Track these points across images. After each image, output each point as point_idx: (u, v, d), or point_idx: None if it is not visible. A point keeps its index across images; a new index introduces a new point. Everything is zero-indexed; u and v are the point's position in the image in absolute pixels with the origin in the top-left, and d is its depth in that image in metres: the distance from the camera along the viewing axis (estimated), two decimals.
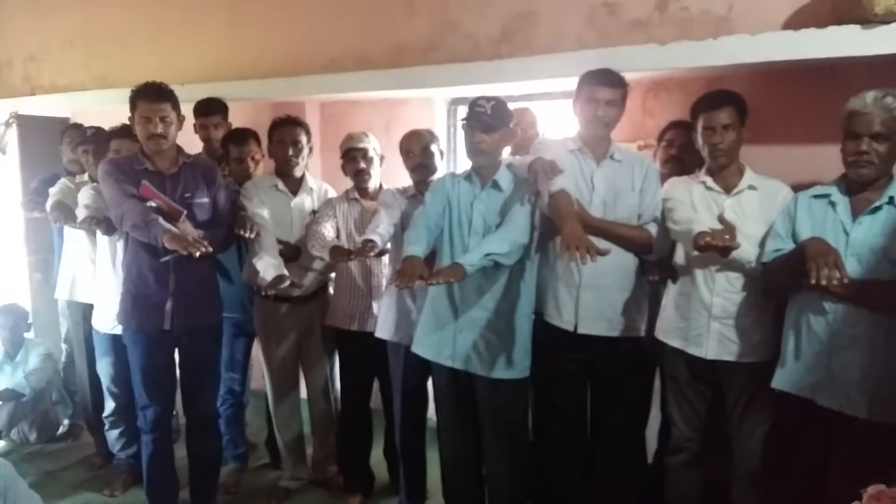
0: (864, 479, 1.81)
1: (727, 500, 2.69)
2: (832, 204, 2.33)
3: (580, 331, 2.68)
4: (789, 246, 2.37)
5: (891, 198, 2.24)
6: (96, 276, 3.51)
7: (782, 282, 2.39)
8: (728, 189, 2.60)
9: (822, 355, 2.31)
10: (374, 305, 3.18)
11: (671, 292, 2.73)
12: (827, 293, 2.18)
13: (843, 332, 2.26)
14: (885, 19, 2.31)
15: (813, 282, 2.07)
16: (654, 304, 2.81)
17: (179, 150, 3.01)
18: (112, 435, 3.66)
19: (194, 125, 3.63)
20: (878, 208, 2.25)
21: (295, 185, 3.36)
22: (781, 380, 2.42)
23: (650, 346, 2.77)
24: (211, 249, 2.63)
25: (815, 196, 2.39)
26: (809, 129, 2.90)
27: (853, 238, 2.26)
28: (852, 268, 2.19)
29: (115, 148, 3.28)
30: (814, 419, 2.34)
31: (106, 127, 3.59)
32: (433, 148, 3.05)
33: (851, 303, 2.19)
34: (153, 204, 2.79)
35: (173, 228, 2.72)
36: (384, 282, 3.16)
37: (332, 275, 3.42)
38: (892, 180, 2.28)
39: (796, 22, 2.61)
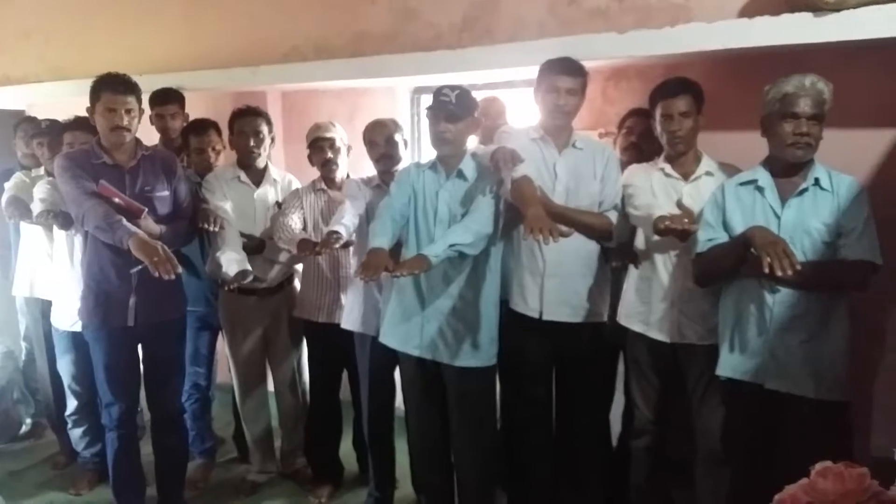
0: (816, 456, 1.86)
1: (691, 481, 2.74)
2: (760, 189, 2.38)
3: (545, 317, 2.71)
4: (721, 235, 2.41)
5: (816, 179, 2.30)
6: (55, 272, 3.45)
7: (721, 270, 2.42)
8: (686, 175, 2.64)
9: (764, 339, 2.36)
10: (342, 297, 3.18)
11: (632, 278, 2.78)
12: (772, 279, 2.21)
13: (784, 314, 2.31)
14: (835, 7, 2.35)
15: (767, 271, 2.11)
16: (615, 289, 2.84)
17: (138, 142, 2.96)
18: (76, 433, 3.62)
19: (150, 116, 3.57)
20: (805, 190, 2.31)
21: (258, 177, 3.33)
22: (726, 366, 2.46)
23: (613, 331, 2.81)
24: (179, 271, 2.56)
25: (742, 183, 2.44)
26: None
27: (784, 221, 2.32)
28: None
29: (69, 141, 3.21)
30: (763, 402, 2.39)
31: (61, 119, 3.53)
32: (397, 137, 3.05)
33: (790, 285, 2.24)
34: (116, 200, 2.74)
35: (138, 231, 2.65)
36: (352, 273, 3.15)
37: (298, 266, 3.40)
38: (813, 163, 2.34)
39: (751, 10, 2.65)
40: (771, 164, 2.39)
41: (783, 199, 2.34)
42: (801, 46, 2.51)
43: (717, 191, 2.49)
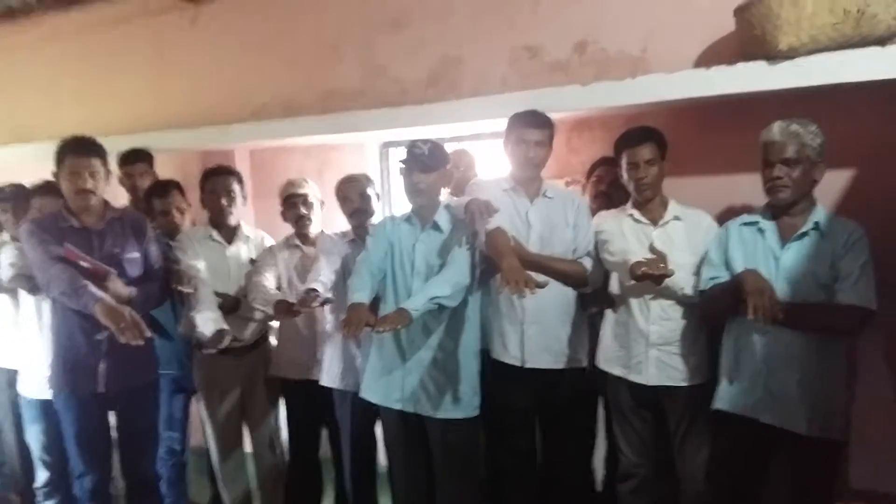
0: (807, 492, 1.89)
1: None
2: (761, 231, 2.46)
3: (528, 365, 2.73)
4: (723, 273, 2.49)
5: (815, 223, 2.38)
6: (21, 339, 3.36)
7: (720, 309, 2.49)
8: (654, 221, 2.71)
9: (761, 375, 2.41)
10: (319, 353, 3.15)
11: (609, 322, 2.81)
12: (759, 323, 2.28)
13: (779, 352, 2.38)
14: (788, 55, 2.46)
15: (751, 316, 2.20)
16: (592, 334, 2.88)
17: (107, 204, 2.94)
18: None
19: (119, 177, 3.55)
20: (805, 234, 2.38)
21: (230, 235, 3.32)
22: (723, 400, 2.51)
23: (592, 375, 2.84)
24: (147, 335, 2.54)
25: (745, 223, 2.52)
26: (726, 159, 3.05)
27: (783, 263, 2.39)
28: (783, 291, 2.32)
29: (38, 206, 3.17)
30: (757, 437, 2.44)
31: (26, 183, 3.48)
32: (370, 192, 3.08)
33: (785, 326, 2.30)
34: (83, 264, 2.71)
35: (104, 297, 2.62)
36: (329, 328, 3.14)
37: (274, 323, 3.38)
38: (814, 206, 2.42)
39: (707, 59, 2.77)
40: (770, 208, 2.48)
41: (784, 241, 2.41)
42: (757, 93, 2.61)
43: (721, 230, 2.57)
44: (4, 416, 3.67)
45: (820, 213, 2.40)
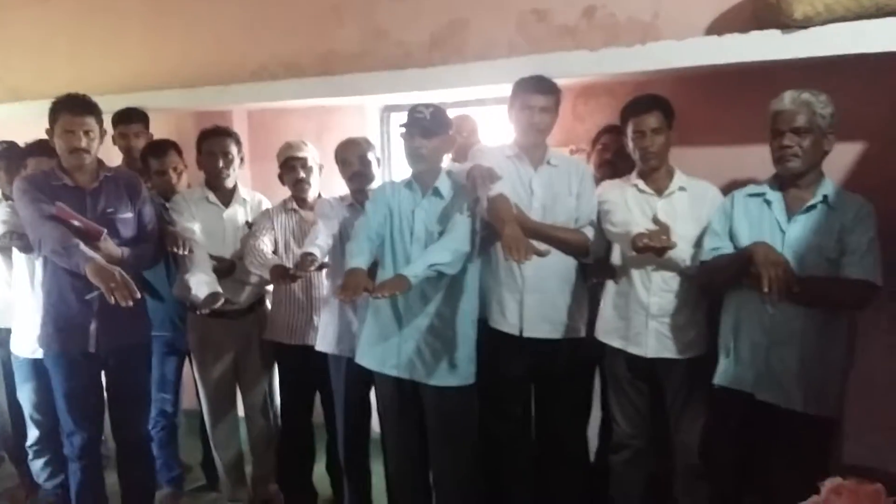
0: (802, 470, 1.88)
1: (672, 495, 2.75)
2: (767, 202, 2.42)
3: (526, 334, 2.71)
4: (727, 244, 2.45)
5: (824, 196, 2.33)
6: (14, 298, 3.33)
7: (723, 280, 2.46)
8: (659, 191, 2.66)
9: (761, 350, 2.38)
10: (315, 318, 3.12)
11: (609, 293, 2.78)
12: (771, 297, 2.23)
13: (782, 327, 2.34)
14: (803, 24, 2.41)
15: (766, 290, 2.15)
16: (592, 304, 2.85)
17: (100, 163, 2.89)
18: (37, 465, 3.47)
19: (113, 136, 3.49)
20: (813, 207, 2.34)
21: (227, 197, 3.28)
22: (722, 375, 2.49)
23: (589, 346, 2.81)
24: (137, 297, 2.50)
25: (751, 195, 2.47)
26: (733, 130, 3.00)
27: (789, 236, 2.35)
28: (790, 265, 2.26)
29: (33, 167, 3.13)
30: (754, 413, 2.41)
31: (19, 142, 3.43)
32: (370, 156, 3.02)
33: (790, 300, 2.26)
34: (75, 223, 2.66)
35: (95, 256, 2.58)
36: (325, 293, 3.10)
37: (269, 287, 3.34)
38: (823, 178, 2.38)
39: (719, 27, 2.70)
40: (777, 179, 2.43)
41: (790, 214, 2.37)
42: (769, 63, 2.56)
43: (726, 200, 2.53)
44: None
45: (828, 187, 2.36)
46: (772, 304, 2.32)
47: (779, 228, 2.37)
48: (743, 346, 2.43)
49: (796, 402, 2.32)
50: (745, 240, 2.39)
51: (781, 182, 2.42)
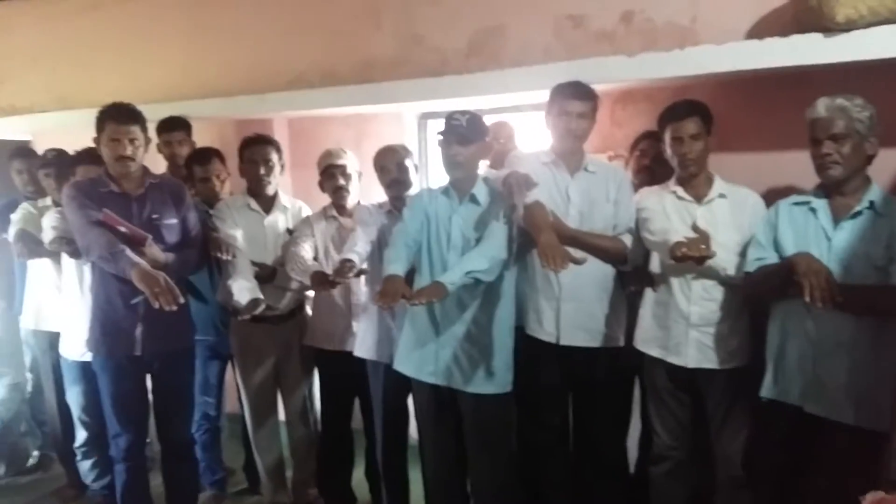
0: (850, 485, 1.84)
1: None
2: (812, 210, 2.37)
3: (562, 342, 2.69)
4: (771, 254, 2.40)
5: (871, 202, 2.28)
6: (63, 303, 3.43)
7: (767, 291, 2.42)
8: (699, 198, 2.63)
9: (808, 362, 2.33)
10: (354, 324, 3.15)
11: (648, 302, 2.75)
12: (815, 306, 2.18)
13: (829, 338, 2.29)
14: (845, 27, 2.37)
15: (808, 299, 2.11)
16: (630, 313, 2.82)
17: (146, 170, 2.96)
18: (84, 465, 3.57)
19: (157, 144, 3.57)
20: (859, 213, 2.29)
21: (268, 204, 3.33)
22: (769, 387, 2.45)
23: (628, 355, 2.79)
24: (181, 301, 2.56)
25: (796, 203, 2.43)
26: (774, 135, 2.95)
27: (835, 244, 2.30)
28: (835, 273, 2.21)
29: (82, 175, 3.20)
30: (802, 425, 2.37)
31: (68, 149, 3.52)
32: (408, 163, 3.04)
33: (837, 309, 2.20)
34: (121, 229, 2.73)
35: (141, 261, 2.65)
36: (364, 300, 3.13)
37: (310, 293, 3.38)
38: (869, 185, 2.33)
39: (760, 31, 2.66)
40: (822, 187, 2.39)
41: (836, 221, 2.32)
42: (810, 67, 2.51)
43: (770, 210, 2.49)
44: (46, 378, 3.77)
45: (875, 192, 2.30)
46: (810, 315, 2.28)
47: (824, 236, 2.32)
48: (789, 358, 2.39)
49: (847, 415, 2.26)
50: (790, 249, 2.34)
51: (827, 190, 2.37)
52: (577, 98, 2.63)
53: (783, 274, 2.27)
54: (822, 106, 2.28)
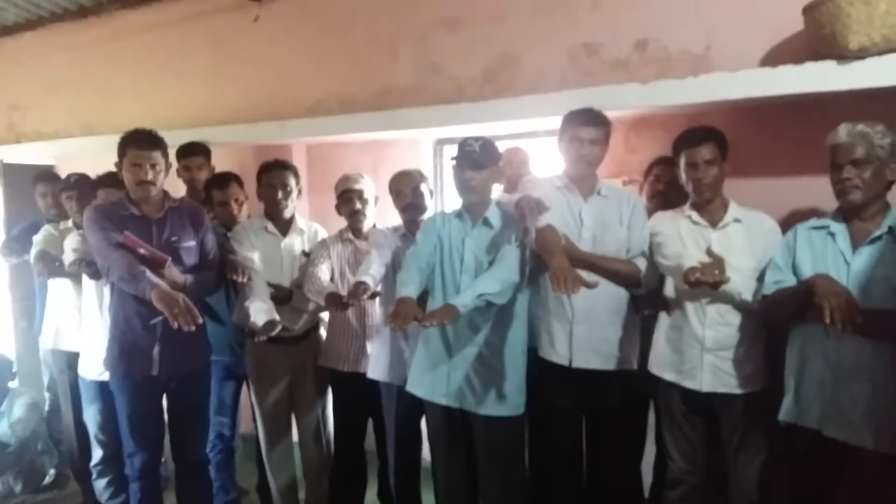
0: None
1: None
2: (831, 234, 2.37)
3: (575, 365, 2.69)
4: (789, 278, 2.41)
5: (890, 228, 2.28)
6: (82, 323, 3.47)
7: (785, 314, 2.41)
8: (714, 223, 2.64)
9: (827, 385, 2.32)
10: (368, 346, 3.17)
11: (662, 326, 2.75)
12: (835, 329, 2.17)
13: (848, 362, 2.27)
14: (859, 55, 2.38)
15: (828, 321, 2.10)
16: (645, 337, 2.82)
17: (166, 194, 3.02)
18: (100, 484, 3.58)
19: (177, 169, 3.63)
20: (878, 238, 2.29)
21: (284, 227, 3.37)
22: (788, 411, 2.43)
23: (643, 379, 2.78)
24: (200, 322, 2.61)
25: (814, 227, 2.43)
26: (789, 161, 2.96)
27: (854, 268, 2.29)
28: (854, 297, 2.19)
29: (103, 198, 3.27)
30: (820, 450, 2.35)
31: (91, 173, 3.59)
32: (423, 188, 3.08)
33: (856, 333, 2.18)
34: (141, 251, 2.78)
35: (161, 283, 2.69)
36: (378, 322, 3.15)
37: (324, 315, 3.41)
38: (889, 210, 2.33)
39: (773, 59, 2.69)
40: (841, 211, 2.39)
41: (855, 246, 2.32)
42: (824, 94, 2.53)
43: (789, 234, 2.49)
44: (64, 397, 3.81)
45: (894, 217, 2.30)
46: (834, 337, 2.26)
47: (843, 260, 2.32)
48: (808, 382, 2.37)
49: (866, 440, 2.24)
50: (808, 273, 2.34)
51: (845, 214, 2.38)
52: (588, 124, 2.66)
53: (802, 296, 2.26)
54: (843, 132, 2.29)
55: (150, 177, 2.86)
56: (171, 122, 3.97)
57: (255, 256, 3.21)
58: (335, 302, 2.89)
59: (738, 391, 2.56)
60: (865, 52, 2.37)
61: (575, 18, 3.13)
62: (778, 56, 2.68)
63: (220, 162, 3.85)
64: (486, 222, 2.69)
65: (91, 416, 3.50)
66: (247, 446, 3.94)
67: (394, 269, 2.91)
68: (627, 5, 3.01)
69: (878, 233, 2.29)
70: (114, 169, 3.01)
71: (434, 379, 2.73)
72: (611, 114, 2.75)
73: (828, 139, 2.34)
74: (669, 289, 2.72)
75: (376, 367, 3.07)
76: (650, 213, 2.85)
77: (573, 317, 2.68)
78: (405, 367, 2.91)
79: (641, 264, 2.69)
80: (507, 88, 3.28)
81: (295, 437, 3.50)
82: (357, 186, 3.21)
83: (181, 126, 3.99)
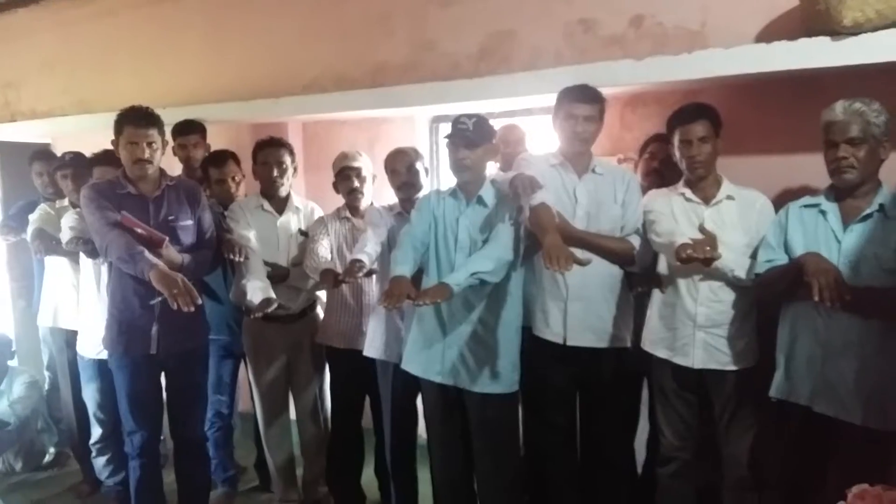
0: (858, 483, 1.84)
1: None
2: (822, 213, 2.37)
3: (569, 343, 2.70)
4: (781, 256, 2.41)
5: (881, 205, 2.28)
6: (80, 302, 3.49)
7: (777, 292, 2.42)
8: (707, 200, 2.64)
9: (817, 362, 2.34)
10: (365, 323, 3.18)
11: (655, 303, 2.77)
12: (824, 306, 2.19)
13: (837, 338, 2.29)
14: (853, 31, 2.36)
15: (817, 298, 2.11)
16: (638, 314, 2.83)
17: (162, 172, 3.01)
18: (99, 462, 3.63)
19: (173, 147, 3.62)
20: (869, 216, 2.29)
21: (280, 205, 3.38)
22: (779, 387, 2.45)
23: (636, 356, 2.80)
24: (199, 303, 2.61)
25: (806, 206, 2.43)
26: (783, 138, 2.96)
27: (845, 246, 2.30)
28: (845, 275, 2.21)
29: (98, 176, 3.27)
30: (811, 426, 2.37)
31: (86, 152, 3.58)
32: (418, 166, 3.08)
33: (845, 310, 2.20)
34: (138, 230, 2.78)
35: (159, 263, 2.69)
36: (375, 300, 3.16)
37: (321, 293, 3.42)
38: (880, 187, 2.33)
39: (768, 35, 2.67)
40: (833, 190, 2.39)
41: (846, 224, 2.32)
42: (819, 70, 2.52)
43: (780, 212, 2.50)
44: (63, 376, 3.83)
45: (885, 195, 2.30)
46: (824, 314, 2.28)
47: (834, 238, 2.32)
48: (798, 358, 2.39)
49: (855, 415, 2.26)
50: (799, 251, 2.35)
51: (837, 192, 2.37)
52: (583, 101, 2.65)
53: (792, 274, 2.27)
54: (839, 109, 2.28)
55: (146, 155, 2.85)
56: (166, 99, 3.95)
57: (252, 235, 3.21)
58: (331, 279, 2.90)
59: (729, 368, 2.58)
60: (859, 28, 2.35)
61: None
62: (773, 32, 2.66)
63: (216, 140, 3.84)
64: (481, 201, 2.69)
65: (90, 395, 3.53)
66: (245, 424, 3.97)
67: (389, 247, 2.91)
68: None
69: (868, 210, 2.29)
70: (110, 147, 3.01)
71: (428, 357, 2.75)
72: (606, 90, 2.75)
73: (822, 116, 2.33)
74: (662, 266, 2.73)
75: (373, 344, 3.08)
76: (645, 190, 2.85)
77: (567, 295, 2.69)
78: (401, 345, 2.92)
79: (636, 242, 2.70)
80: (502, 65, 3.26)
81: (292, 414, 3.53)
82: (355, 164, 3.21)
83: (177, 104, 3.96)
